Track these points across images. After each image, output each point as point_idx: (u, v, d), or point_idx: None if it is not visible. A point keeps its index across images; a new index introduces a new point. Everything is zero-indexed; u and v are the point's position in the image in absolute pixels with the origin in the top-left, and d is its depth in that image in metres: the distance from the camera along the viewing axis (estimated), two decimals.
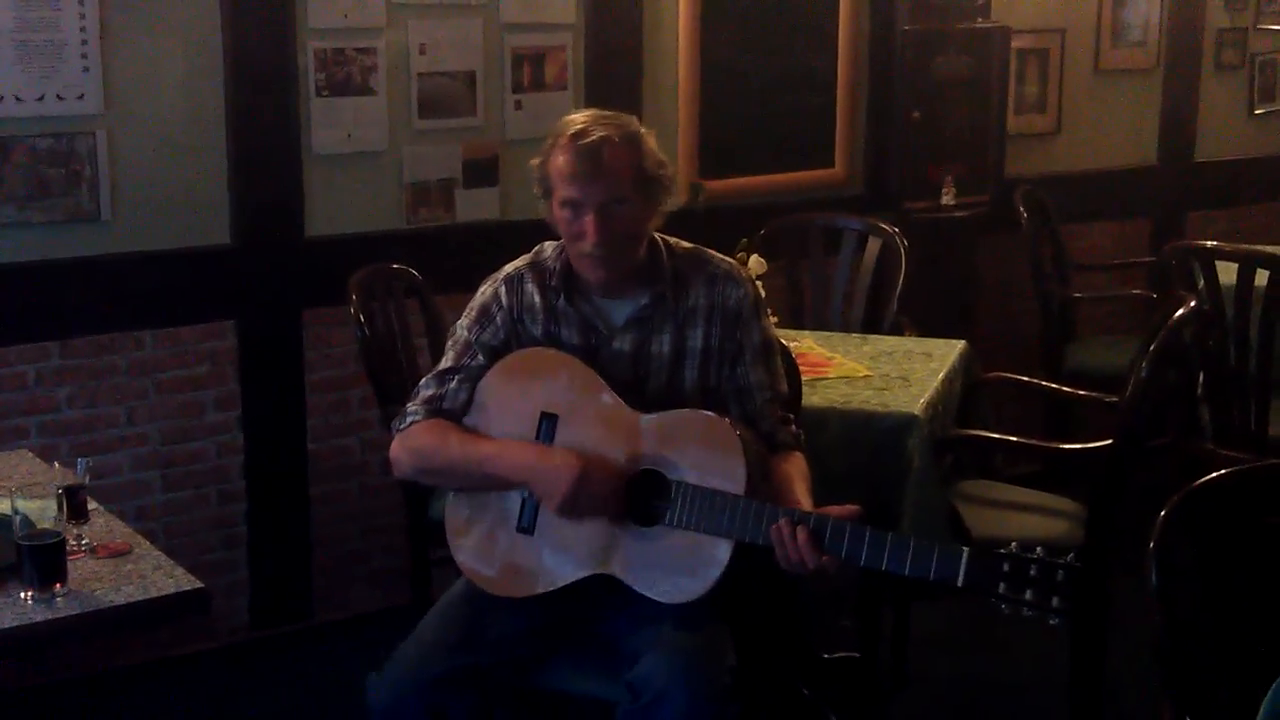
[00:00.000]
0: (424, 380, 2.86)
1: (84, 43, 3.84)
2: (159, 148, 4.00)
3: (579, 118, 2.74)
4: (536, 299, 2.81)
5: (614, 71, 4.69)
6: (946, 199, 5.37)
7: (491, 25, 4.45)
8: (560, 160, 2.69)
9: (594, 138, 2.66)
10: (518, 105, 4.53)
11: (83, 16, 3.83)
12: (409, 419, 2.81)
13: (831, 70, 5.22)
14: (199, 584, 2.46)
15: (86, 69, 3.85)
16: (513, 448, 2.73)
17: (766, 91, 5.09)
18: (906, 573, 2.45)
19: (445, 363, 2.85)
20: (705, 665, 2.59)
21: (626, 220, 2.70)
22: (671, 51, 4.85)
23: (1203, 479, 2.33)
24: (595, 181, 2.66)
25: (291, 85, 4.15)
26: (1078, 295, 5.59)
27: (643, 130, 2.76)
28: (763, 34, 5.06)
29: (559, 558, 2.71)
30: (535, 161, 2.77)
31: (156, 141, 3.99)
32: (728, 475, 2.60)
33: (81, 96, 3.86)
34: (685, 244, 2.87)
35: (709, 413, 2.67)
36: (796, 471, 2.75)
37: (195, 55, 4.02)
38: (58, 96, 3.83)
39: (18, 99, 3.78)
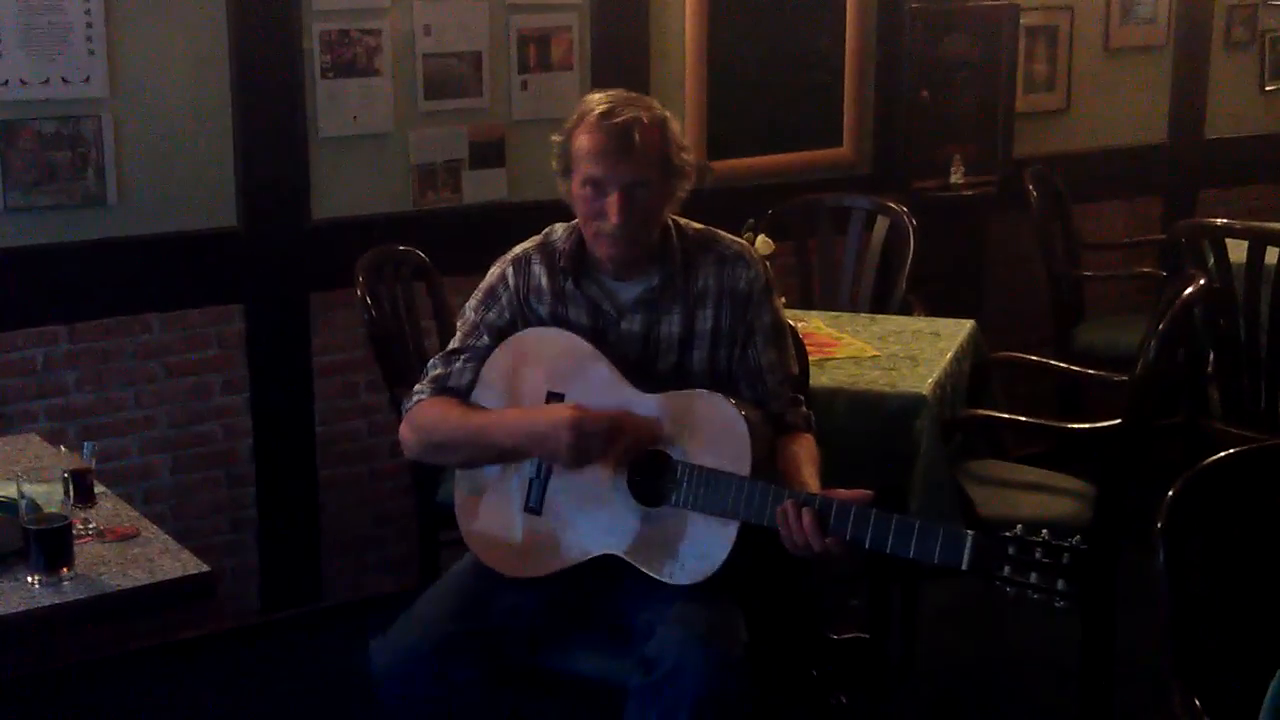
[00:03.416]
0: (432, 360, 2.88)
1: (89, 26, 3.84)
2: (165, 131, 3.99)
3: (604, 97, 2.72)
4: (544, 280, 2.80)
5: (620, 51, 4.67)
6: (955, 178, 5.36)
7: (497, 6, 4.43)
8: (586, 139, 2.68)
9: (623, 118, 2.66)
10: (524, 86, 4.52)
11: (88, 0, 3.82)
12: (416, 398, 2.83)
13: (839, 50, 5.20)
14: (205, 567, 2.46)
15: (92, 52, 3.85)
16: (508, 414, 2.74)
17: (774, 71, 5.08)
18: (911, 556, 2.44)
19: (453, 343, 2.86)
20: (719, 638, 2.58)
21: (648, 203, 2.69)
22: (678, 31, 4.83)
23: (1212, 458, 2.32)
24: (623, 162, 2.65)
25: (297, 67, 4.15)
26: (1087, 274, 5.57)
27: (669, 114, 2.75)
28: (770, 13, 5.04)
29: (567, 538, 2.71)
30: (557, 139, 2.75)
31: (162, 125, 3.99)
32: (733, 456, 2.59)
33: (87, 80, 3.85)
34: (696, 225, 2.86)
35: (714, 393, 2.67)
36: (805, 454, 2.75)
37: (200, 38, 4.01)
38: (63, 80, 3.82)
39: (23, 83, 3.78)
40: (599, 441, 2.64)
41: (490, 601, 2.72)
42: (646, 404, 2.67)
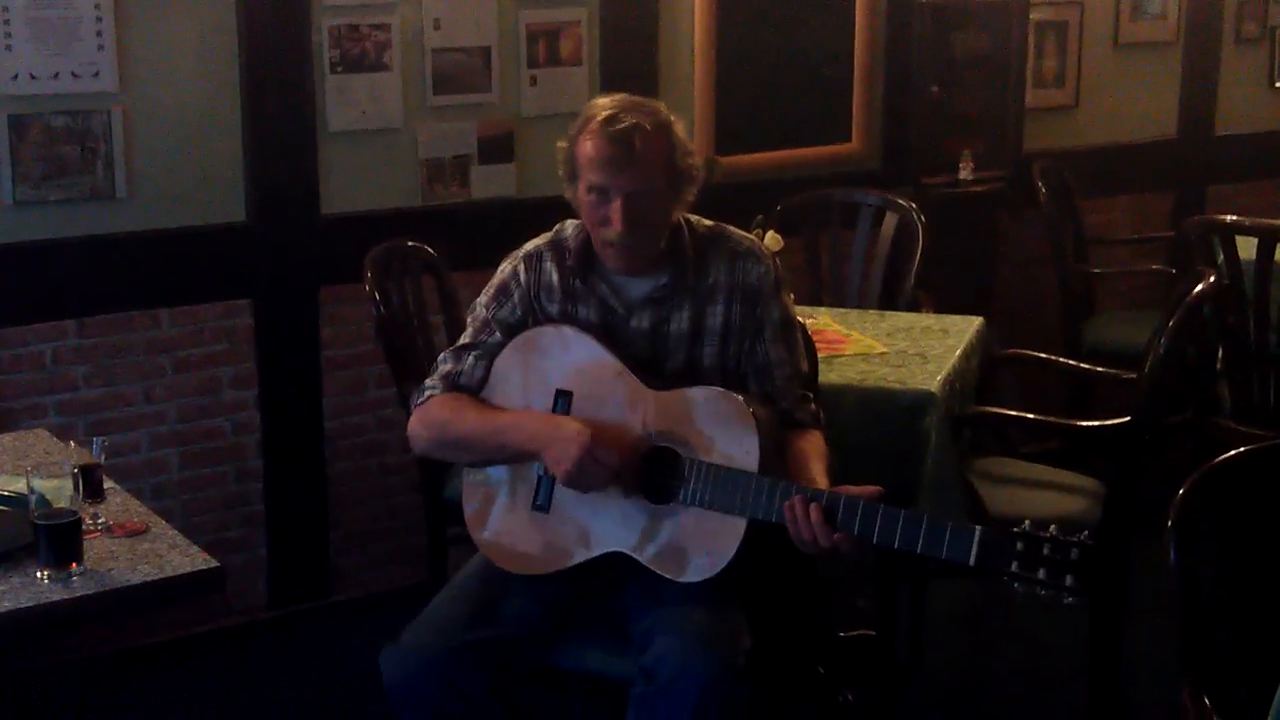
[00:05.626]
0: (442, 356, 2.88)
1: (99, 20, 3.84)
2: (174, 126, 4.00)
3: (608, 102, 2.71)
4: (554, 278, 2.80)
5: (629, 46, 4.67)
6: (964, 174, 5.35)
7: (506, 0, 4.43)
8: (590, 146, 2.67)
9: (625, 124, 2.64)
10: (533, 81, 4.51)
11: None
12: (426, 393, 2.82)
13: (849, 45, 5.19)
14: (214, 563, 2.47)
15: (101, 47, 3.85)
16: (526, 417, 2.73)
17: (783, 66, 5.07)
18: (918, 551, 2.44)
19: (464, 339, 2.86)
20: (719, 648, 2.58)
21: (652, 210, 2.69)
22: (687, 25, 4.83)
23: (1223, 456, 2.31)
24: (625, 170, 2.64)
25: (306, 62, 4.15)
26: (1097, 270, 5.56)
27: (672, 118, 2.74)
28: (779, 7, 5.03)
29: (574, 536, 2.71)
30: (562, 144, 2.75)
31: (172, 119, 3.99)
32: (741, 452, 2.59)
33: (97, 74, 3.85)
34: (706, 221, 2.86)
35: (722, 389, 2.66)
36: (814, 450, 2.75)
37: (210, 32, 4.01)
38: (73, 74, 3.83)
39: (33, 76, 3.78)
40: (603, 472, 2.63)
41: (499, 607, 2.72)
42: (655, 400, 2.67)
